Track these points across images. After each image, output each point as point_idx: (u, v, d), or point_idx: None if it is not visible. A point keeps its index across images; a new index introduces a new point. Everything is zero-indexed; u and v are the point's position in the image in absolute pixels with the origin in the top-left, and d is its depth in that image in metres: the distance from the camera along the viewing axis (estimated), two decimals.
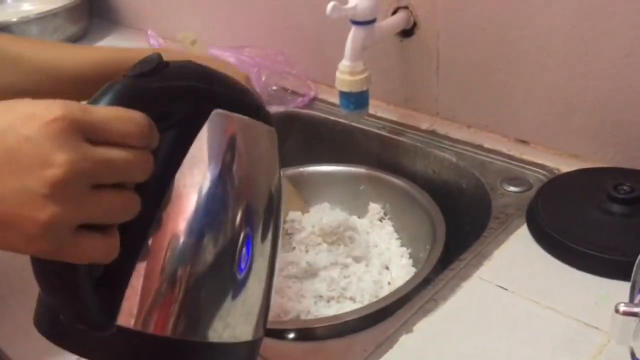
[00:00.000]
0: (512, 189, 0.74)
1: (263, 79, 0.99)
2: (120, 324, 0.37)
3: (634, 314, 0.45)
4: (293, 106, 0.99)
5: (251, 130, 0.42)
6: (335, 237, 0.78)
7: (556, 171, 0.75)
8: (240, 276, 0.41)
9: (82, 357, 0.39)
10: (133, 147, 0.34)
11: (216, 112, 0.40)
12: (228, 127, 0.40)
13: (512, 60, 0.77)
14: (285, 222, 0.80)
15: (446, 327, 0.56)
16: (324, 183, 0.87)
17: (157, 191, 0.37)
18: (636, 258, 0.49)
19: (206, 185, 0.39)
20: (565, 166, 0.75)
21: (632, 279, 0.50)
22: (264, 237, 0.43)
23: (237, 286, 0.41)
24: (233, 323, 0.41)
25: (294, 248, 0.79)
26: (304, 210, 0.81)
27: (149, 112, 0.35)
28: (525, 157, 0.79)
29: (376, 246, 0.80)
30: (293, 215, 0.81)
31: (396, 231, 0.82)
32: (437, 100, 0.88)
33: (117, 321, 0.37)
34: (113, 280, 0.37)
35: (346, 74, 0.79)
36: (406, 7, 0.84)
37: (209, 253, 0.39)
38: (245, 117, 0.42)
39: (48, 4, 1.31)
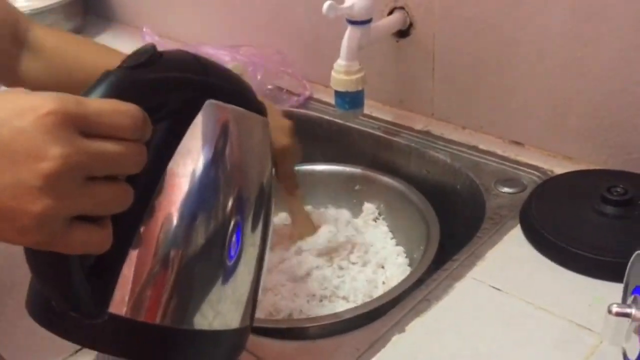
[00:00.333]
0: (506, 190, 0.74)
1: (258, 78, 0.99)
2: (113, 312, 0.37)
3: (627, 315, 0.45)
4: (288, 105, 0.99)
5: (245, 121, 0.43)
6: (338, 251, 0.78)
7: (550, 173, 0.75)
8: (229, 263, 0.41)
9: (74, 344, 0.39)
10: (126, 139, 0.34)
11: (209, 103, 0.40)
12: (221, 118, 0.41)
13: (508, 62, 0.77)
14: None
15: (439, 327, 0.56)
16: (319, 183, 0.87)
17: (149, 181, 0.38)
18: (629, 259, 0.50)
19: (198, 175, 0.39)
20: (559, 168, 0.75)
21: (624, 280, 0.50)
22: (254, 227, 0.43)
23: (227, 274, 0.41)
24: (223, 311, 0.41)
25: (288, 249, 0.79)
26: (314, 231, 0.80)
27: (142, 103, 0.35)
28: (520, 158, 0.79)
29: (371, 246, 0.80)
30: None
31: (391, 231, 0.82)
32: (432, 101, 0.88)
33: (109, 309, 0.37)
34: (105, 269, 0.37)
35: (342, 73, 0.79)
36: (402, 8, 0.84)
37: (200, 241, 0.39)
38: (239, 108, 0.42)
39: (43, 0, 1.30)
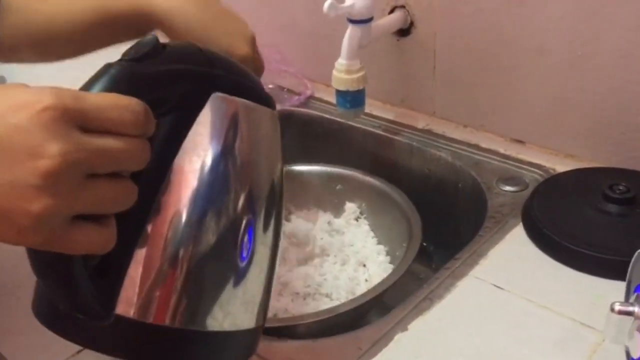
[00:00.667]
0: (507, 188, 0.74)
1: None
2: (119, 313, 0.36)
3: (629, 313, 0.45)
4: (289, 105, 0.99)
5: (252, 114, 0.41)
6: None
7: (552, 171, 0.75)
8: (241, 264, 0.40)
9: (81, 346, 0.38)
10: (128, 135, 0.33)
11: (215, 96, 0.39)
12: (228, 111, 0.39)
13: (509, 60, 0.77)
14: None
15: (441, 325, 0.56)
16: (301, 183, 0.87)
17: (155, 178, 0.37)
18: (631, 258, 0.50)
19: (206, 170, 0.37)
20: (561, 166, 0.75)
21: (627, 279, 0.50)
22: (266, 225, 0.42)
23: (238, 274, 0.40)
24: (233, 312, 0.40)
25: None
26: None
27: (145, 97, 0.34)
28: (521, 156, 0.79)
29: (352, 245, 0.80)
30: None
31: (372, 230, 0.83)
32: (434, 100, 0.88)
33: (115, 310, 0.36)
34: (111, 269, 0.36)
35: (343, 72, 0.79)
36: (403, 7, 0.84)
37: (210, 240, 0.38)
38: (246, 101, 0.41)
39: None
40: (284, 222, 0.84)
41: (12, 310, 0.61)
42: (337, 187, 0.86)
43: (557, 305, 0.56)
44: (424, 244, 0.88)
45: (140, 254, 0.36)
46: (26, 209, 0.30)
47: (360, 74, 0.79)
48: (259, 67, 0.64)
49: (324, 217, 0.85)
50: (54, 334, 0.37)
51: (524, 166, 0.77)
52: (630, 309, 0.46)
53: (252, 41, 0.63)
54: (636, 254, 0.49)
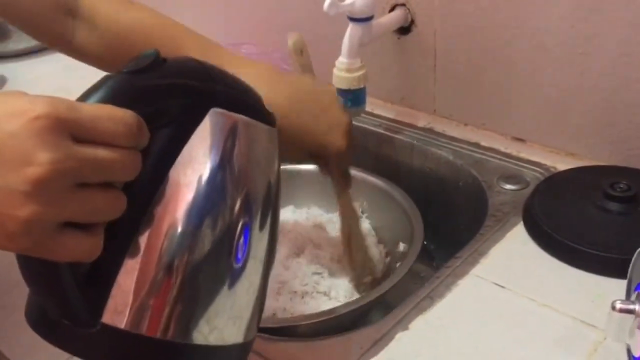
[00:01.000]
0: (508, 186, 0.74)
1: None
2: (107, 322, 0.36)
3: (630, 312, 0.45)
4: None
5: (250, 130, 0.41)
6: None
7: (553, 169, 0.75)
8: (234, 279, 0.40)
9: (69, 354, 0.39)
10: (120, 146, 0.34)
11: (213, 111, 0.39)
12: (226, 126, 0.39)
13: (509, 59, 0.77)
14: None
15: (442, 324, 0.56)
16: (302, 182, 0.87)
17: (148, 189, 0.37)
18: (632, 256, 0.50)
19: (200, 184, 0.38)
20: (562, 164, 0.75)
21: (628, 277, 0.50)
22: (260, 241, 0.42)
23: (230, 289, 0.40)
24: (222, 326, 0.40)
25: None
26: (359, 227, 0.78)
27: (141, 109, 0.35)
28: (522, 155, 0.79)
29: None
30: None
31: (373, 229, 0.82)
32: (434, 98, 0.88)
33: (102, 319, 0.36)
34: (100, 277, 0.36)
35: (343, 71, 0.79)
36: (404, 5, 0.84)
37: (201, 253, 0.38)
38: (244, 117, 0.41)
39: None
40: (285, 218, 0.84)
41: (13, 308, 0.61)
42: None
43: (558, 303, 0.56)
44: (425, 242, 0.88)
45: (130, 264, 0.36)
46: (14, 214, 0.31)
47: (361, 72, 0.79)
48: (351, 155, 0.63)
49: (324, 217, 0.85)
50: (43, 340, 0.38)
51: (525, 164, 0.77)
52: (631, 307, 0.46)
53: (348, 132, 0.62)
54: (637, 252, 0.49)
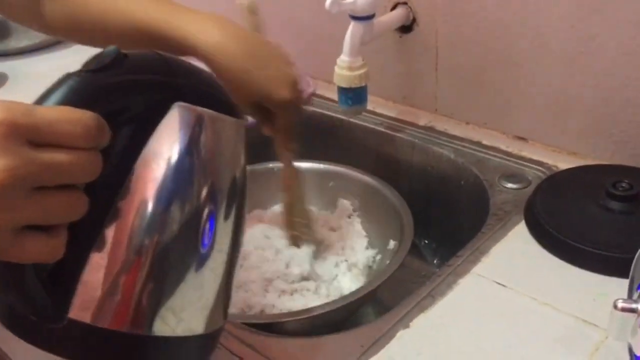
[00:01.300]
0: (510, 185, 0.74)
1: None
2: (73, 317, 0.36)
3: (632, 311, 0.45)
4: None
5: (215, 124, 0.41)
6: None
7: (554, 168, 0.75)
8: (198, 273, 0.40)
9: (37, 348, 0.39)
10: (79, 148, 0.33)
11: (177, 105, 0.39)
12: (189, 121, 0.39)
13: (511, 58, 0.77)
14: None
15: (443, 323, 0.56)
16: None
17: (112, 186, 0.37)
18: (634, 255, 0.49)
19: (163, 179, 0.38)
20: (564, 163, 0.75)
21: (630, 276, 0.50)
22: (224, 235, 0.42)
23: (195, 282, 0.40)
24: (187, 317, 0.40)
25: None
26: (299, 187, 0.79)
27: (103, 108, 0.35)
28: (524, 154, 0.79)
29: (343, 241, 0.81)
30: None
31: (364, 227, 0.83)
32: (436, 97, 0.88)
33: (69, 314, 0.36)
34: (64, 274, 0.36)
35: (345, 69, 0.79)
36: (405, 3, 0.84)
37: (166, 246, 0.38)
38: (209, 110, 0.40)
39: None
40: (277, 215, 0.84)
41: None
42: (330, 184, 0.86)
43: (560, 302, 0.56)
44: (426, 241, 0.88)
45: (95, 259, 0.36)
46: None
47: (362, 71, 0.79)
48: (299, 109, 0.65)
49: (316, 214, 0.85)
50: (14, 335, 0.38)
51: (527, 163, 0.77)
52: (633, 306, 0.45)
53: (294, 85, 0.64)
54: (639, 251, 0.49)
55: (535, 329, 0.54)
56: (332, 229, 0.83)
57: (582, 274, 0.59)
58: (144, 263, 0.37)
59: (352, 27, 0.78)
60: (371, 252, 0.79)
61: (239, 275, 0.73)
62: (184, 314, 0.40)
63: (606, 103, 0.71)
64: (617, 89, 0.70)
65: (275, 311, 0.70)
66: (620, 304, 0.46)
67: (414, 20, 0.84)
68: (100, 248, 0.37)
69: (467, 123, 0.86)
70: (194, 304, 0.40)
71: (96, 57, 0.37)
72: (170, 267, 0.39)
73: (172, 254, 0.38)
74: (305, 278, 0.73)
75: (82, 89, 0.36)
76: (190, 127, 0.39)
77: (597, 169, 0.71)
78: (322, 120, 0.96)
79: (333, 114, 0.94)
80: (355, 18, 0.77)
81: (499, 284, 0.59)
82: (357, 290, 0.65)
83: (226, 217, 0.42)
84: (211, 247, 0.41)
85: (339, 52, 0.79)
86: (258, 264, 0.75)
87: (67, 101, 0.35)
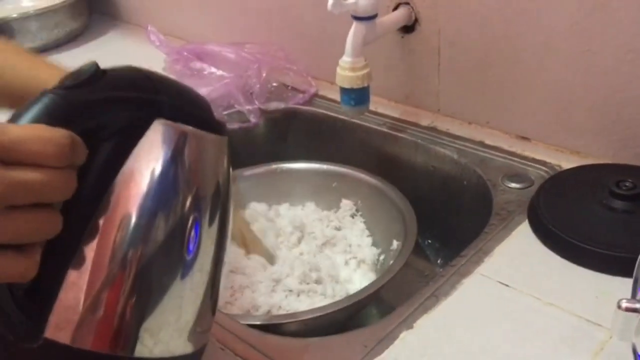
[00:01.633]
0: (513, 185, 0.73)
1: (263, 75, 0.99)
2: (49, 337, 0.36)
3: (636, 310, 0.45)
4: (293, 103, 0.99)
5: (197, 141, 0.40)
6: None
7: (558, 167, 0.75)
8: (178, 294, 0.39)
9: None
10: (52, 167, 0.33)
11: (158, 122, 0.38)
12: (170, 138, 0.38)
13: (514, 57, 0.77)
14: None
15: (447, 323, 0.55)
16: (297, 180, 0.87)
17: (89, 203, 0.36)
18: (638, 254, 0.49)
19: (143, 196, 0.37)
20: (567, 162, 0.75)
21: (634, 275, 0.50)
22: (204, 252, 0.41)
23: (173, 304, 0.39)
24: (167, 339, 0.39)
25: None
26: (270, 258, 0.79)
27: (79, 125, 0.34)
28: (527, 153, 0.78)
29: (347, 242, 0.81)
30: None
31: (368, 228, 0.83)
32: (438, 97, 0.87)
33: (45, 334, 0.36)
34: (40, 292, 0.36)
35: (347, 70, 0.79)
36: (407, 3, 0.84)
37: (145, 265, 0.37)
38: (191, 128, 0.39)
39: (48, 0, 1.30)
40: (281, 215, 0.85)
41: None
42: (333, 185, 0.86)
43: (564, 302, 0.56)
44: (429, 241, 0.88)
45: (72, 278, 0.36)
46: None
47: (365, 71, 0.79)
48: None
49: (319, 214, 0.85)
50: None
51: (530, 163, 0.77)
52: (637, 305, 0.45)
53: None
54: None
55: (539, 328, 0.54)
56: (337, 229, 0.83)
57: (586, 274, 0.59)
58: (124, 280, 0.36)
59: (354, 28, 0.78)
60: (375, 252, 0.79)
61: (246, 275, 0.74)
62: (162, 336, 0.39)
63: (609, 102, 0.71)
64: (620, 87, 0.70)
65: (282, 312, 0.70)
66: (624, 304, 0.45)
67: (416, 20, 0.84)
68: (78, 266, 0.36)
69: (470, 123, 0.85)
70: (173, 326, 0.40)
71: (73, 74, 0.37)
72: (149, 289, 0.38)
73: (152, 275, 0.38)
74: (312, 278, 0.73)
75: (57, 107, 0.35)
76: (171, 144, 0.38)
77: (600, 168, 0.71)
78: (324, 121, 0.96)
79: (335, 115, 0.94)
80: (357, 18, 0.77)
81: (502, 284, 0.59)
82: (361, 291, 0.65)
83: (209, 236, 0.41)
84: (193, 266, 0.40)
85: (341, 53, 0.79)
86: (266, 264, 0.75)
87: (41, 119, 0.34)
